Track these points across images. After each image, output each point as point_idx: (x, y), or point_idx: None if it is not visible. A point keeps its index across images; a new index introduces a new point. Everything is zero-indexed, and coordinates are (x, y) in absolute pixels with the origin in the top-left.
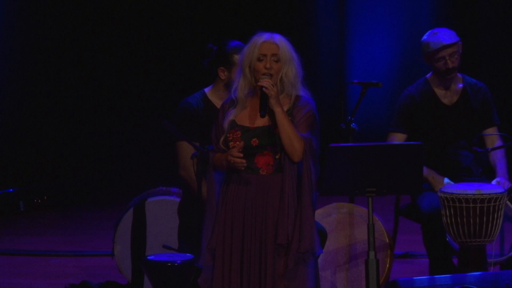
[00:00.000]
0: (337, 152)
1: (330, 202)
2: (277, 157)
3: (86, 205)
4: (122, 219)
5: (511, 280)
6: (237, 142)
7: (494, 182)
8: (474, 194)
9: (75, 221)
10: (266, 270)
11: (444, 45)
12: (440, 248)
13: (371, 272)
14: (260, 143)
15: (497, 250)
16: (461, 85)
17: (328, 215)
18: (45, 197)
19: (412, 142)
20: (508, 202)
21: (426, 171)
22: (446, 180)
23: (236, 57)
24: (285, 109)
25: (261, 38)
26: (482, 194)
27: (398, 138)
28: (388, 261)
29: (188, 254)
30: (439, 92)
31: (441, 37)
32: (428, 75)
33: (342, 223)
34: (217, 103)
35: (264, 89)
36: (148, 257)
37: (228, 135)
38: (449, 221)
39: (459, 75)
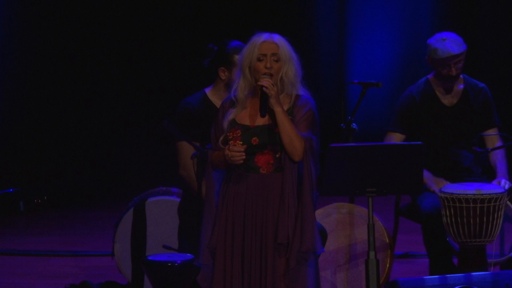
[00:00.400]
0: (337, 152)
1: (330, 202)
2: (277, 156)
3: (86, 205)
4: (122, 219)
5: (511, 280)
6: (237, 141)
7: (494, 182)
8: (474, 194)
9: (75, 221)
10: (267, 270)
11: (453, 55)
12: (440, 248)
13: (371, 272)
14: (260, 142)
15: (497, 250)
16: (462, 86)
17: (328, 215)
18: (45, 197)
19: (412, 142)
20: (508, 202)
21: (429, 181)
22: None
23: (237, 57)
24: (285, 108)
25: (261, 38)
26: (482, 194)
27: (396, 138)
28: (388, 261)
29: (188, 254)
30: (440, 92)
31: (449, 45)
32: (429, 76)
33: (342, 223)
34: (218, 103)
35: (264, 88)
36: (148, 257)
37: (228, 134)
38: (449, 221)
39: (460, 76)
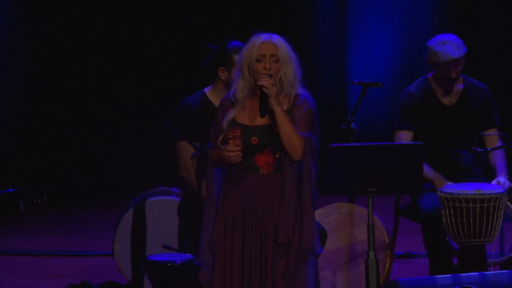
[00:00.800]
0: (337, 152)
1: (330, 202)
2: (277, 156)
3: (86, 205)
4: (122, 219)
5: (511, 280)
6: (237, 141)
7: (494, 182)
8: (474, 194)
9: (75, 221)
10: (267, 269)
11: (453, 59)
12: (440, 248)
13: (371, 272)
14: (260, 142)
15: (497, 250)
16: (461, 86)
17: (328, 215)
18: (45, 197)
19: (412, 142)
20: (508, 202)
21: (431, 174)
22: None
23: (237, 57)
24: (285, 108)
25: (260, 39)
26: (482, 194)
27: (406, 136)
28: (388, 261)
29: (188, 254)
30: (439, 92)
31: (450, 49)
32: (429, 75)
33: (342, 223)
34: (217, 103)
35: (263, 88)
36: (148, 257)
37: (227, 133)
38: (449, 221)
39: (459, 77)
